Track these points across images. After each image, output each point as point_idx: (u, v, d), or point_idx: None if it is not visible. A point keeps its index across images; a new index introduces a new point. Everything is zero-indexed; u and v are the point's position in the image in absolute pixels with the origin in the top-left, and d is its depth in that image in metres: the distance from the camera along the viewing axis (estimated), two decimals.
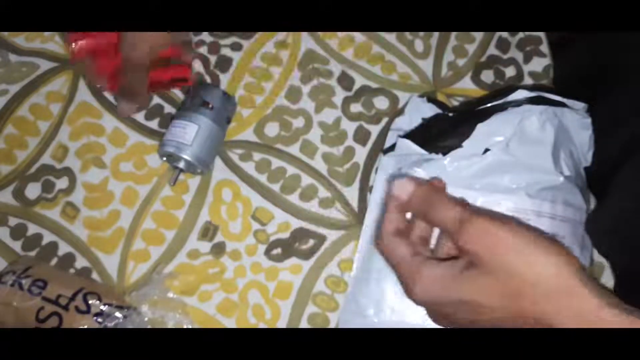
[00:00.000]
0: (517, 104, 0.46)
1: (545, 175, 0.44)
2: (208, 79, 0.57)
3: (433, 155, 0.45)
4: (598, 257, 0.49)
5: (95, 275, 0.51)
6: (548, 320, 0.27)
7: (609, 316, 0.26)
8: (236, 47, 0.58)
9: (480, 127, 0.44)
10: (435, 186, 0.34)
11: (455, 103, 0.56)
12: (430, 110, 0.52)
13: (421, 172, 0.45)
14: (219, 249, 0.51)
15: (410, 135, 0.49)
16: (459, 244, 0.30)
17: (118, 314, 0.45)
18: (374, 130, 0.55)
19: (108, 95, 0.56)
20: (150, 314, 0.47)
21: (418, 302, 0.32)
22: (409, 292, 0.32)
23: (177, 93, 0.56)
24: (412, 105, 0.53)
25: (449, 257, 0.33)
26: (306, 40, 0.58)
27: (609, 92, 0.47)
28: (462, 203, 0.32)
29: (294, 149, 0.54)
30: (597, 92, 0.48)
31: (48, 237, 0.52)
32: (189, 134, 0.50)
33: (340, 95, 0.56)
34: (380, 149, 0.54)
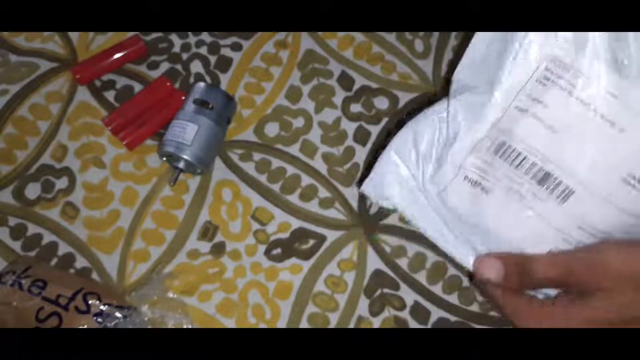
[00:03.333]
0: None
1: None
2: (208, 79, 0.57)
3: None
4: None
5: (95, 275, 0.51)
6: None
7: None
8: (236, 47, 0.58)
9: None
10: (521, 254, 0.33)
11: None
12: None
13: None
14: (218, 249, 0.51)
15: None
16: (586, 287, 0.30)
17: (118, 314, 0.45)
18: (374, 130, 0.55)
19: (108, 95, 0.56)
20: (150, 314, 0.47)
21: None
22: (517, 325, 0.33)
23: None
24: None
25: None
26: (306, 40, 0.58)
27: None
28: (555, 257, 0.31)
29: (294, 149, 0.54)
30: None
31: (48, 237, 0.52)
32: (189, 134, 0.50)
33: (340, 95, 0.56)
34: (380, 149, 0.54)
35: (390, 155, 0.37)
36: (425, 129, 0.36)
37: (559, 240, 0.33)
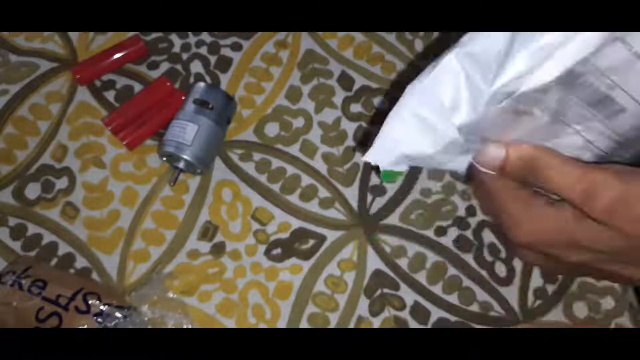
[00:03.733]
0: None
1: None
2: (208, 79, 0.57)
3: None
4: None
5: (95, 275, 0.51)
6: None
7: None
8: (236, 47, 0.58)
9: None
10: (537, 148, 0.27)
11: None
12: None
13: None
14: (218, 249, 0.51)
15: None
16: (594, 216, 0.25)
17: (118, 314, 0.45)
18: (374, 130, 0.55)
19: (108, 95, 0.56)
20: (150, 314, 0.47)
21: (517, 241, 0.29)
22: (509, 228, 0.28)
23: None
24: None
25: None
26: (306, 40, 0.58)
27: None
28: (579, 165, 0.26)
29: (294, 149, 0.54)
30: None
31: (48, 237, 0.52)
32: (189, 134, 0.50)
33: (340, 95, 0.56)
34: None
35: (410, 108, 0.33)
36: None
37: (585, 150, 0.30)
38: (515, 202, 0.28)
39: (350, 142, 0.55)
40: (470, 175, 0.30)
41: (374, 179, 0.52)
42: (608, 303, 0.51)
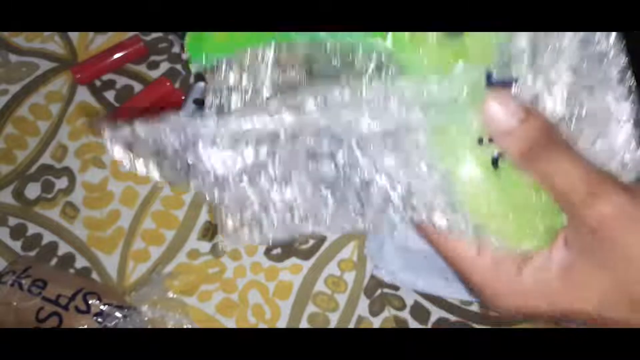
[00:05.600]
0: None
1: None
2: None
3: None
4: None
5: (95, 275, 0.51)
6: None
7: None
8: None
9: None
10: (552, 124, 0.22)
11: None
12: None
13: None
14: (219, 249, 0.51)
15: None
16: (588, 221, 0.21)
17: (118, 314, 0.45)
18: None
19: (108, 95, 0.56)
20: (150, 314, 0.47)
21: (498, 310, 0.24)
22: (483, 299, 0.24)
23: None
24: None
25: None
26: None
27: None
28: (591, 164, 0.21)
29: None
30: None
31: (48, 237, 0.52)
32: None
33: None
34: None
35: None
36: None
37: None
38: (481, 275, 0.24)
39: None
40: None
41: None
42: None
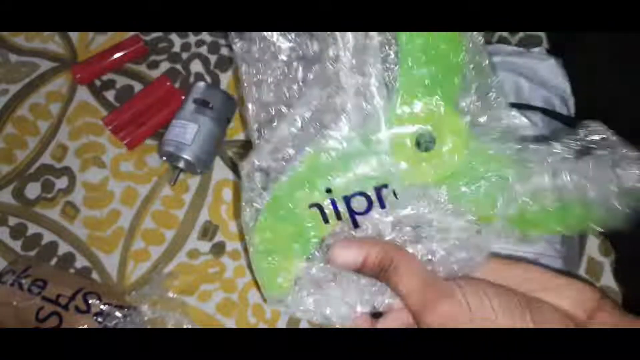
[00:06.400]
0: None
1: None
2: (208, 79, 0.57)
3: None
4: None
5: (95, 275, 0.51)
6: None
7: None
8: None
9: None
10: (391, 250, 0.27)
11: None
12: None
13: None
14: (218, 249, 0.51)
15: None
16: (429, 323, 0.27)
17: (118, 314, 0.45)
18: None
19: (108, 95, 0.56)
20: (150, 314, 0.47)
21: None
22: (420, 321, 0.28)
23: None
24: None
25: None
26: None
27: None
28: (425, 278, 0.27)
29: None
30: None
31: (48, 237, 0.52)
32: (189, 133, 0.50)
33: None
34: None
35: None
36: None
37: None
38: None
39: None
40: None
41: None
42: None
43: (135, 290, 0.49)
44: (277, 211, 0.28)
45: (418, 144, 0.27)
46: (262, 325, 0.49)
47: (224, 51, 0.58)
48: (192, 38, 0.58)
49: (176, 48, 0.58)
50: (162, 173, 0.53)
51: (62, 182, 0.53)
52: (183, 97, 0.53)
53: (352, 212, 0.27)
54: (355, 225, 0.27)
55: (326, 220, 0.27)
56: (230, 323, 0.49)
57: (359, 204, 0.27)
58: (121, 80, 0.56)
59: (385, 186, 0.26)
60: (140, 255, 0.51)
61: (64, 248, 0.51)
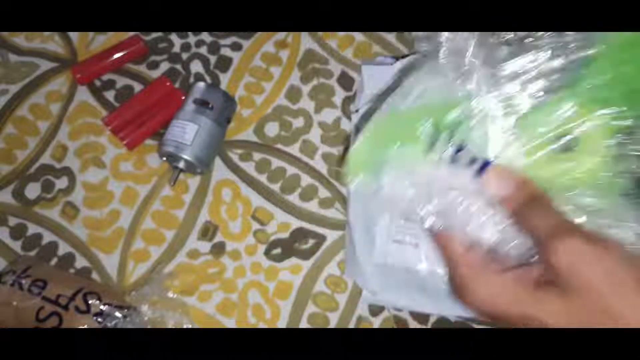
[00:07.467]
0: None
1: None
2: (208, 79, 0.57)
3: None
4: None
5: (95, 275, 0.51)
6: None
7: None
8: (236, 47, 0.58)
9: None
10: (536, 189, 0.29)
11: None
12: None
13: None
14: (218, 249, 0.51)
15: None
16: (546, 257, 0.26)
17: (118, 314, 0.45)
18: None
19: (108, 95, 0.56)
20: (150, 314, 0.47)
21: (470, 305, 0.29)
22: (463, 291, 0.29)
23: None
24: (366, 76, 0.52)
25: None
26: (306, 40, 0.58)
27: None
28: (561, 216, 0.28)
29: (294, 149, 0.54)
30: None
31: (48, 237, 0.52)
32: (189, 134, 0.50)
33: (340, 95, 0.56)
34: None
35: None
36: None
37: None
38: (475, 261, 0.29)
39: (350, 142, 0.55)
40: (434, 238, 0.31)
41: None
42: None
43: (135, 290, 0.49)
44: (399, 118, 0.31)
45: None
46: (262, 325, 0.49)
47: (224, 51, 0.58)
48: (192, 38, 0.58)
49: (176, 48, 0.58)
50: (162, 173, 0.53)
51: (62, 182, 0.53)
52: (183, 97, 0.54)
53: (454, 157, 0.29)
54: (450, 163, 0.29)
55: (429, 149, 0.29)
56: (230, 323, 0.49)
57: (464, 157, 0.29)
58: (121, 80, 0.56)
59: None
60: (140, 255, 0.51)
61: (64, 248, 0.51)
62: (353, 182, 0.31)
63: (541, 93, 0.28)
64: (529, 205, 0.29)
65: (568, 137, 0.28)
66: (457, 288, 0.29)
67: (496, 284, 0.28)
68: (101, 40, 0.58)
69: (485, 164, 0.29)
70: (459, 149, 0.29)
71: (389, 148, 0.30)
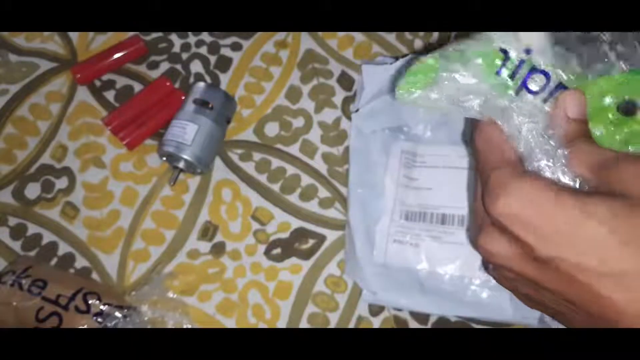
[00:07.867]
0: None
1: None
2: (208, 79, 0.57)
3: None
4: None
5: (95, 275, 0.51)
6: None
7: None
8: (236, 47, 0.58)
9: None
10: None
11: None
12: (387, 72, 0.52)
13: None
14: (218, 249, 0.51)
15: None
16: (611, 179, 0.24)
17: (118, 314, 0.45)
18: None
19: (108, 95, 0.56)
20: (150, 314, 0.47)
21: (495, 217, 0.26)
22: (491, 201, 0.26)
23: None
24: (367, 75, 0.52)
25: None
26: (306, 40, 0.58)
27: None
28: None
29: (294, 149, 0.54)
30: None
31: (48, 237, 0.52)
32: (189, 134, 0.50)
33: (340, 95, 0.56)
34: None
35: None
36: None
37: None
38: (506, 165, 0.27)
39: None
40: (475, 125, 0.31)
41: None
42: None
43: (135, 290, 0.49)
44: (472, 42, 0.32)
45: (617, 108, 0.29)
46: (262, 325, 0.49)
47: (224, 51, 0.58)
48: (192, 38, 0.58)
49: (176, 48, 0.58)
50: (162, 173, 0.53)
51: (62, 182, 0.53)
52: (183, 97, 0.54)
53: (525, 83, 0.29)
54: (519, 91, 0.29)
55: (498, 71, 0.29)
56: (230, 323, 0.49)
57: (535, 83, 0.29)
58: (121, 80, 0.56)
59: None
60: (140, 256, 0.51)
61: (64, 248, 0.51)
62: (410, 95, 0.31)
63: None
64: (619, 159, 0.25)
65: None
66: (492, 189, 0.26)
67: (527, 189, 0.25)
68: (101, 40, 0.58)
69: (561, 87, 0.29)
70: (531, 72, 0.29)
71: (463, 65, 0.31)
